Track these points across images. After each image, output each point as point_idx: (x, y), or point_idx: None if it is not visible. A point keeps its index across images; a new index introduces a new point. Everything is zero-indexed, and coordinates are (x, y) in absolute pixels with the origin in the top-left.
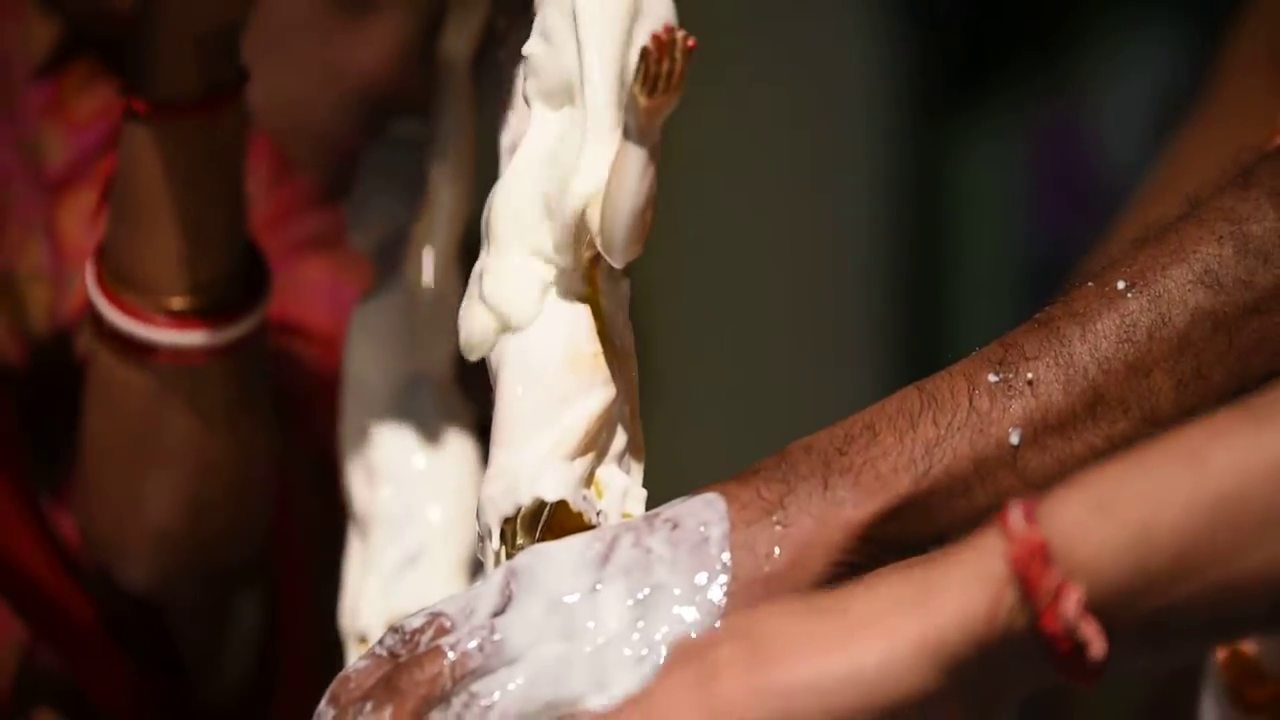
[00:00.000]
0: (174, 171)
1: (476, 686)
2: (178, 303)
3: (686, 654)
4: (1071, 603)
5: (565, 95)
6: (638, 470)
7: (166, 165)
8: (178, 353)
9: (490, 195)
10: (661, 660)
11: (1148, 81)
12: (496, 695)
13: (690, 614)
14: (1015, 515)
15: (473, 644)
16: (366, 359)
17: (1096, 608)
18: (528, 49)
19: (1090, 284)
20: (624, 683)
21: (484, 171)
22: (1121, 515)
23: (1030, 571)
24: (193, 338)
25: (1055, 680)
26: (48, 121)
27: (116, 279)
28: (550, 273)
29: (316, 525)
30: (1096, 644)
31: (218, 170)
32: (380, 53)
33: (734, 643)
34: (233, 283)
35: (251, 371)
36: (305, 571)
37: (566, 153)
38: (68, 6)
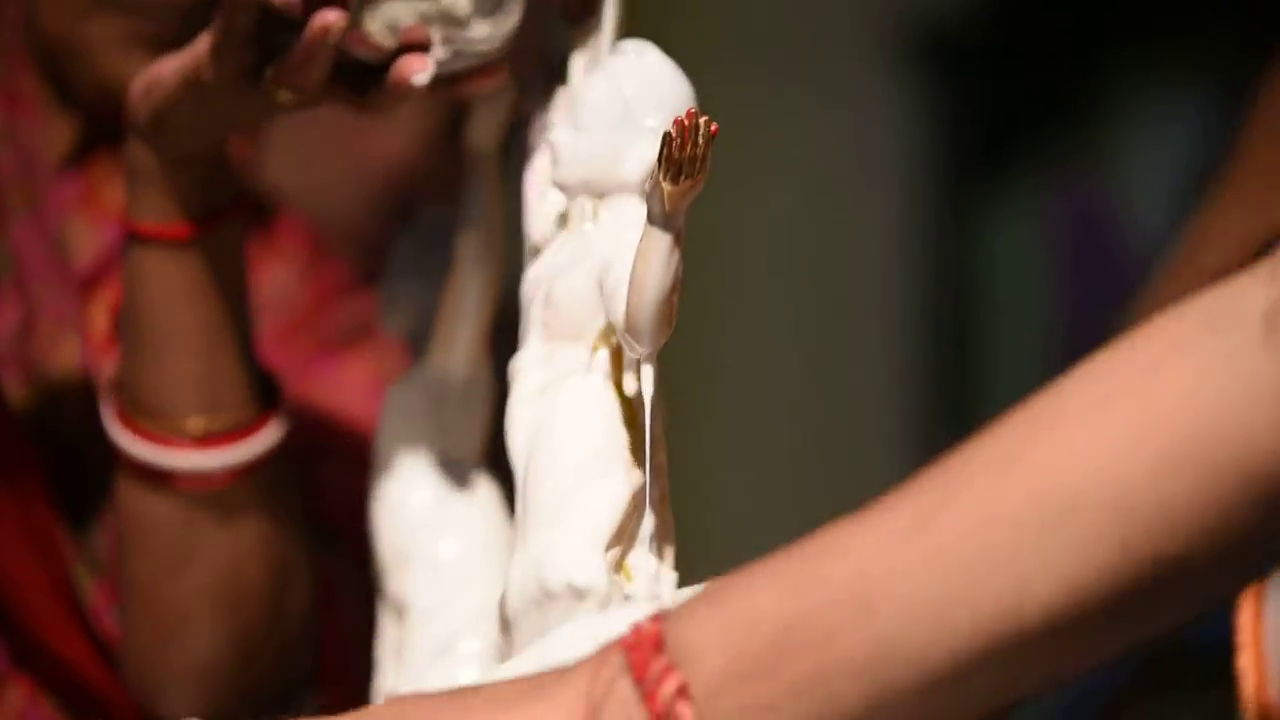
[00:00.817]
0: (176, 292)
1: None
2: (193, 425)
3: None
4: (671, 686)
5: (591, 185)
6: (669, 553)
7: (169, 287)
8: (199, 477)
9: (522, 281)
10: None
11: (1170, 154)
12: None
13: None
14: (646, 617)
15: None
16: (397, 442)
17: (703, 691)
18: (555, 138)
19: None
20: None
21: (513, 255)
22: (728, 603)
23: (639, 659)
24: (212, 460)
25: None
26: (76, 215)
27: (133, 407)
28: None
29: (366, 633)
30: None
31: (221, 288)
32: (407, 142)
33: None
34: (247, 399)
35: (278, 489)
36: (353, 677)
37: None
38: (84, 99)
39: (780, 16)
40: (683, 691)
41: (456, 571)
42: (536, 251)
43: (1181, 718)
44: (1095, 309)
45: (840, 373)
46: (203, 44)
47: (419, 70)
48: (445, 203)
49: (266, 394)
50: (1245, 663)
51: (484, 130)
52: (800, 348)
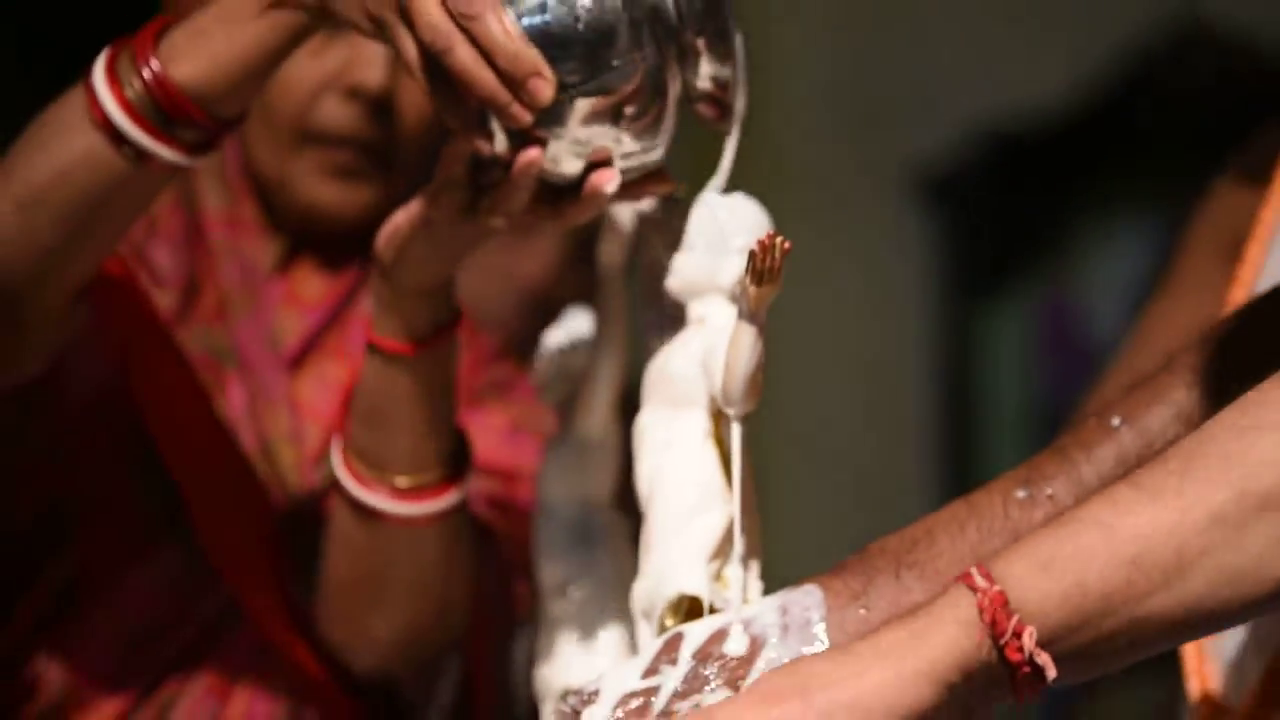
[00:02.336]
0: (400, 390)
1: None
2: (402, 481)
3: (748, 693)
4: (1028, 639)
5: (693, 290)
6: (755, 566)
7: (395, 386)
8: (399, 519)
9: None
10: None
11: (1124, 269)
12: None
13: None
14: (977, 575)
15: (635, 701)
16: (553, 488)
17: (1044, 642)
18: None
19: (1093, 420)
20: None
21: (634, 346)
22: (1058, 573)
23: (996, 617)
24: (414, 509)
25: (1013, 696)
26: (284, 309)
27: (358, 461)
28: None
29: (499, 612)
30: (1049, 669)
31: (436, 387)
32: (545, 262)
33: (787, 679)
34: (446, 464)
35: (460, 527)
36: (492, 645)
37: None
38: (289, 219)
39: (825, 167)
40: (1031, 637)
41: (597, 583)
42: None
43: (1131, 708)
44: (1068, 387)
45: (877, 435)
46: (427, 191)
47: (609, 180)
48: (582, 302)
49: (459, 460)
50: (1190, 653)
51: (611, 248)
52: (846, 419)
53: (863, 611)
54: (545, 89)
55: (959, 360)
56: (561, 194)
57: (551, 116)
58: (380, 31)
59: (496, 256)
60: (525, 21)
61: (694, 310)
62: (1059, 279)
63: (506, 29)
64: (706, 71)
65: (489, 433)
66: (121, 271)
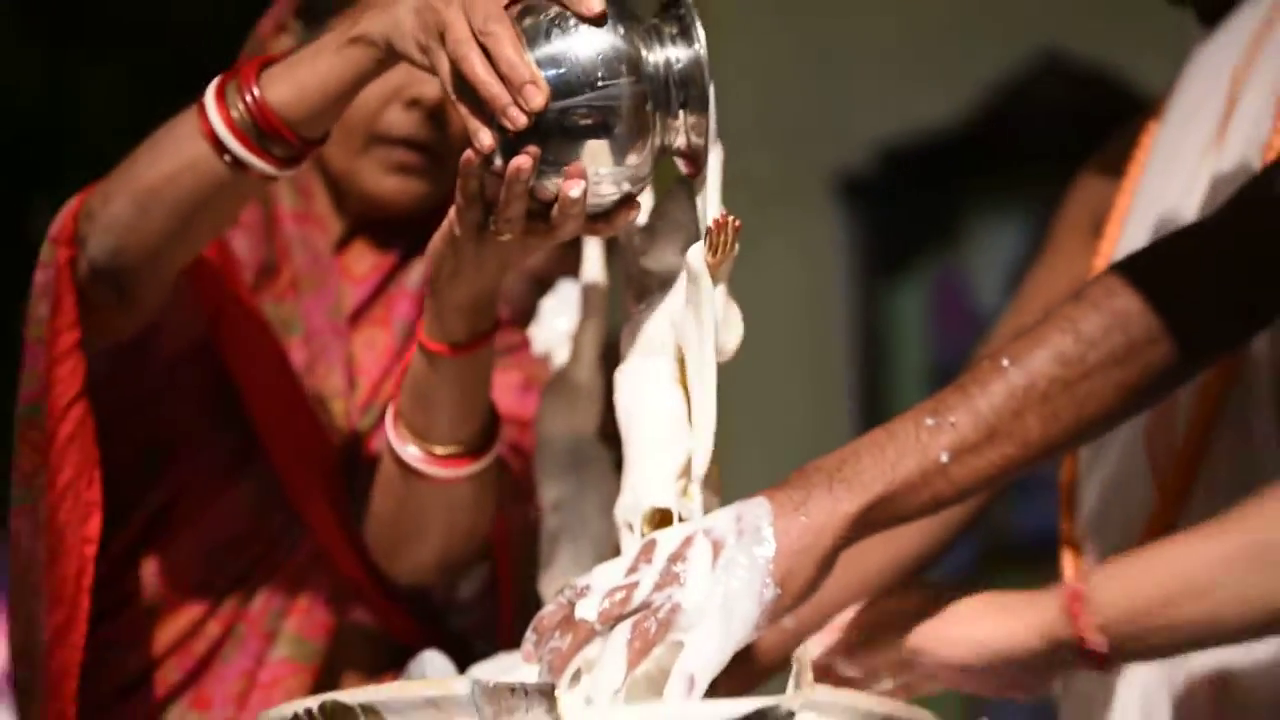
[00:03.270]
0: (442, 382)
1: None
2: (441, 450)
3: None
4: (1090, 622)
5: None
6: (714, 484)
7: (439, 378)
8: (439, 479)
9: (628, 322)
10: (738, 603)
11: (1005, 250)
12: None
13: (745, 573)
14: (1071, 576)
15: (619, 593)
16: (549, 424)
17: (1104, 626)
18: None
19: (986, 362)
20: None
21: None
22: (1122, 580)
23: (1072, 606)
24: (449, 472)
25: (1082, 666)
26: (342, 282)
27: (406, 425)
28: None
29: (518, 524)
30: (1100, 644)
31: (472, 381)
32: (547, 252)
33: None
34: (478, 439)
35: (487, 482)
36: (514, 552)
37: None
38: (352, 208)
39: (760, 175)
40: (1094, 625)
41: (586, 499)
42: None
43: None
44: (960, 347)
45: (808, 385)
46: (452, 210)
47: (575, 186)
48: (571, 275)
49: (489, 433)
50: (1063, 548)
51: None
52: (784, 374)
53: (803, 519)
54: (537, 96)
55: (872, 327)
56: (596, 219)
57: (545, 136)
58: (425, 56)
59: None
60: (538, 53)
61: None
62: (950, 261)
63: (514, 46)
64: (685, 127)
65: (506, 389)
66: (211, 250)
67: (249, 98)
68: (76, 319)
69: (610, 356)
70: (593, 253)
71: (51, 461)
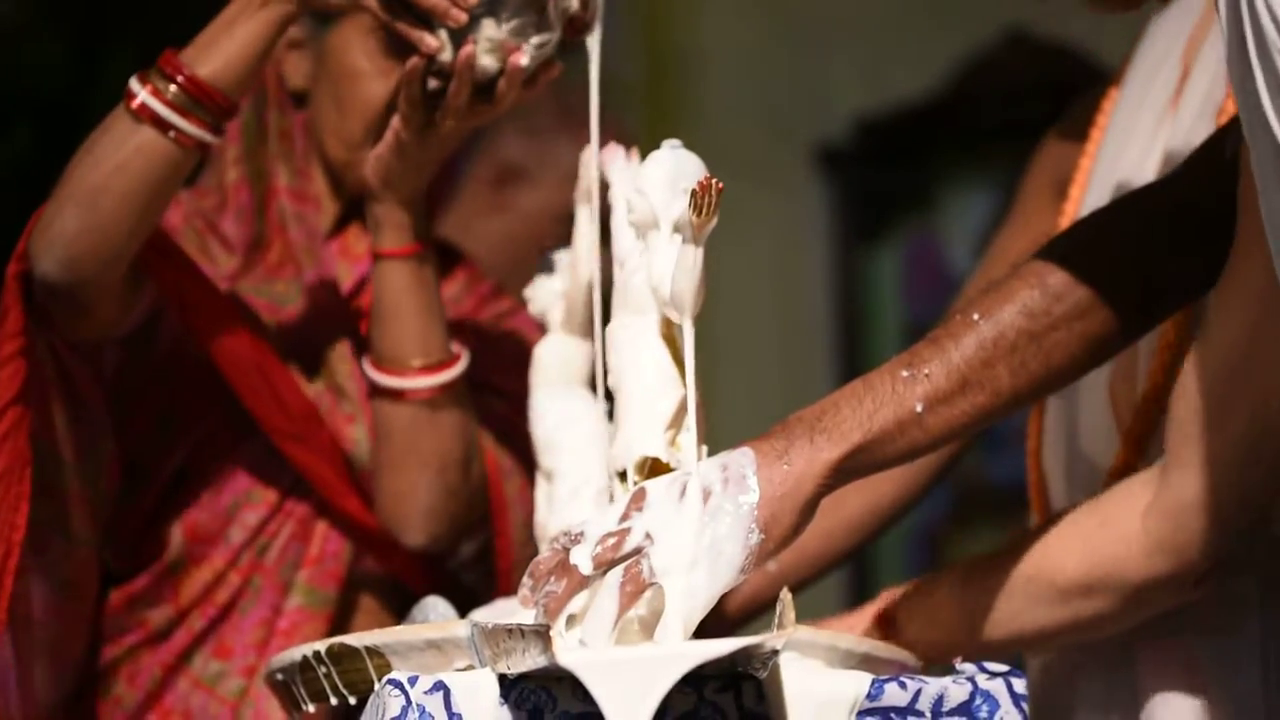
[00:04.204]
0: (401, 287)
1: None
2: (415, 362)
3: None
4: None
5: (649, 223)
6: (701, 434)
7: (400, 285)
8: (419, 391)
9: (617, 282)
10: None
11: (973, 216)
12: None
13: (731, 519)
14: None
15: (612, 539)
16: (543, 377)
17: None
18: (628, 195)
19: (958, 317)
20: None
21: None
22: (924, 614)
23: (884, 632)
24: (428, 381)
25: None
26: (341, 261)
27: (379, 357)
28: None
29: (509, 466)
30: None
31: (424, 285)
32: (534, 222)
33: None
34: (444, 347)
35: (464, 401)
36: (510, 501)
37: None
38: (349, 191)
39: (745, 146)
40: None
41: (578, 449)
42: (620, 264)
43: (985, 540)
44: (933, 306)
45: (791, 344)
46: (396, 119)
47: (520, 59)
48: (564, 245)
49: (451, 345)
50: (1033, 496)
51: (583, 202)
52: (767, 334)
53: (785, 467)
54: None
55: (849, 290)
56: (490, 90)
57: (476, 26)
58: None
59: (497, 224)
60: None
61: (648, 239)
62: (923, 228)
63: None
64: None
65: (501, 345)
66: (174, 249)
67: (180, 77)
68: (21, 329)
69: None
70: (583, 216)
71: None
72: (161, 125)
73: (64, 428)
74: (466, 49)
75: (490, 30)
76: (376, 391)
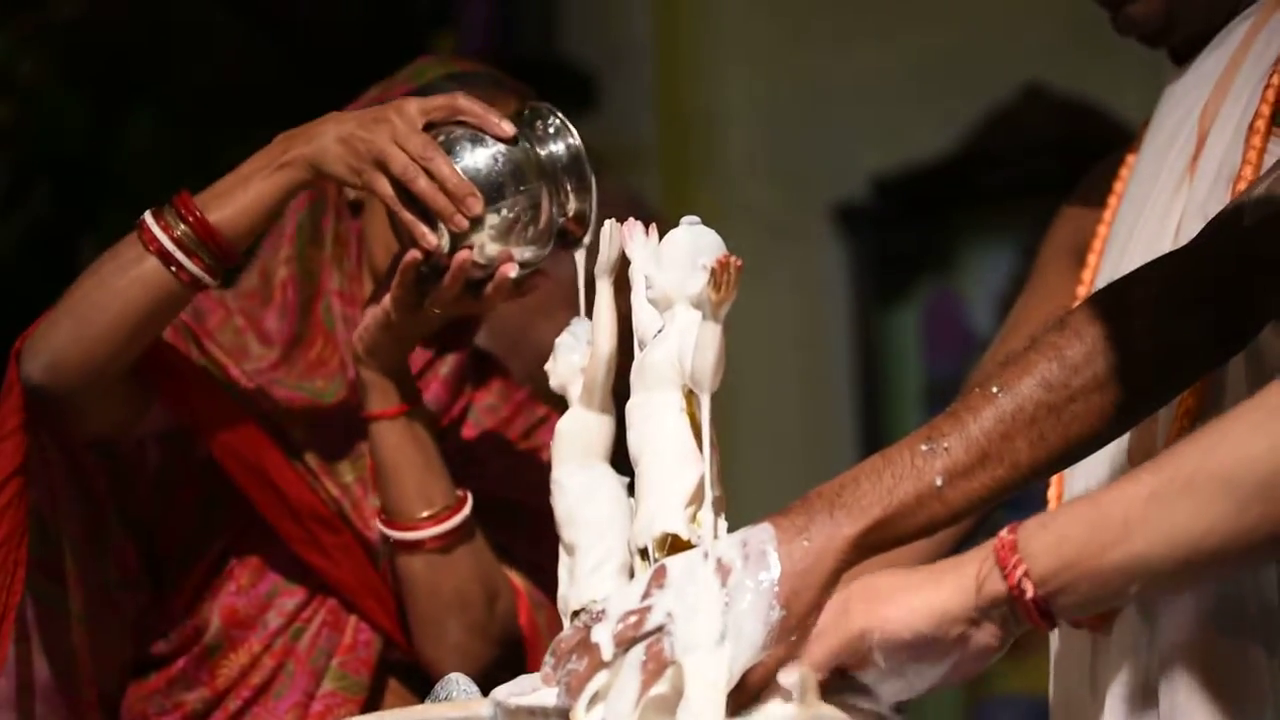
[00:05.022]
0: (396, 445)
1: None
2: (421, 515)
3: (835, 604)
4: (1020, 569)
5: (669, 299)
6: (721, 514)
7: (393, 442)
8: (433, 539)
9: (638, 358)
10: (745, 624)
11: (996, 275)
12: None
13: (752, 596)
14: (1006, 528)
15: (633, 617)
16: (564, 453)
17: (1036, 576)
18: (648, 272)
19: (977, 390)
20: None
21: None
22: (1052, 528)
23: (1002, 554)
24: (434, 531)
25: (1023, 623)
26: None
27: (386, 511)
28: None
29: (548, 604)
30: (1029, 590)
31: (424, 437)
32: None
33: (862, 591)
34: (446, 496)
35: (478, 544)
36: (542, 631)
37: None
38: (385, 290)
39: (765, 205)
40: (1027, 574)
41: (601, 525)
42: (641, 343)
43: None
44: (953, 368)
45: (810, 408)
46: (388, 299)
47: (511, 269)
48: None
49: (455, 489)
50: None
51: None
52: (786, 397)
53: (805, 543)
54: (476, 205)
55: (869, 348)
56: (478, 288)
57: (477, 228)
58: (358, 178)
59: (521, 331)
60: (460, 167)
61: (668, 315)
62: (943, 285)
63: (450, 167)
64: (573, 204)
65: (535, 480)
66: (180, 364)
67: (191, 218)
68: (23, 404)
69: (621, 390)
70: (603, 291)
71: None
72: (166, 259)
73: (66, 507)
74: (463, 254)
75: (487, 237)
76: (393, 547)
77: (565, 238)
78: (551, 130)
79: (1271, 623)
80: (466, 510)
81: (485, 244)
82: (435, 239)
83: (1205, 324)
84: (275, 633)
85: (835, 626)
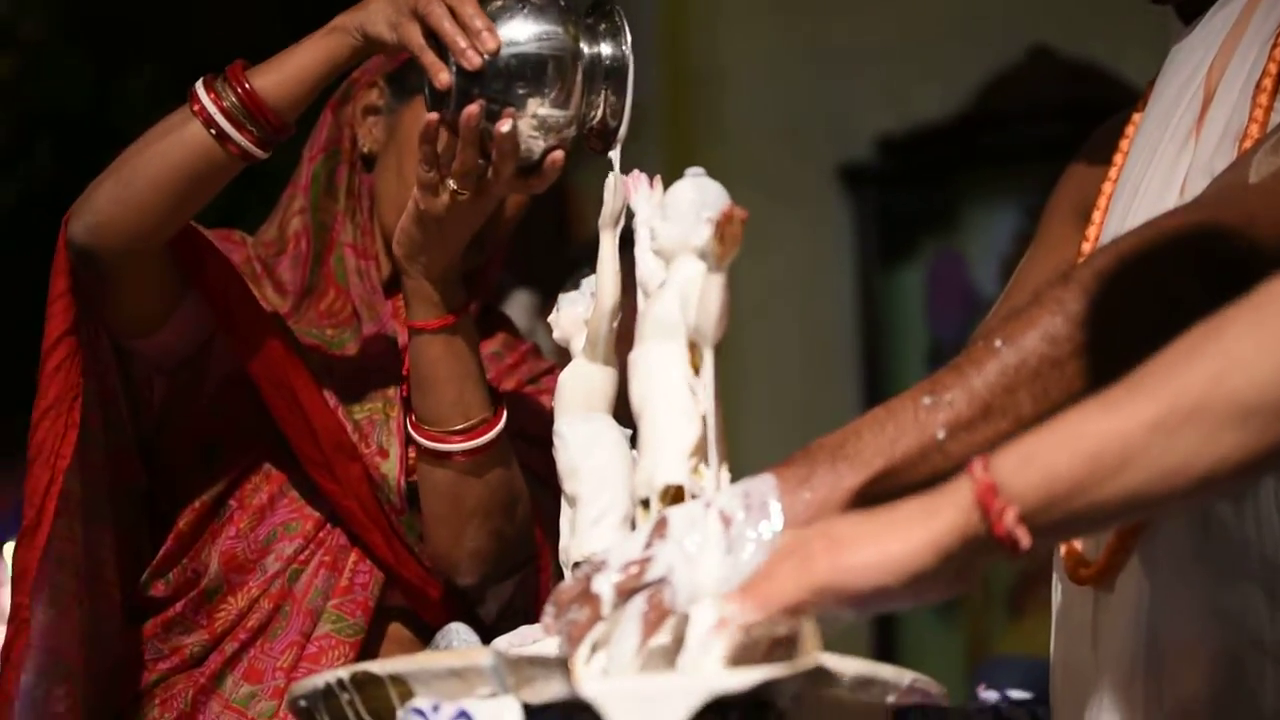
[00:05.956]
0: (438, 357)
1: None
2: (456, 426)
3: (790, 548)
4: (1010, 517)
5: (674, 250)
6: (724, 465)
7: (433, 354)
8: (463, 453)
9: (641, 310)
10: (746, 574)
11: (1000, 234)
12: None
13: (754, 546)
14: (977, 466)
15: (635, 568)
16: (565, 403)
17: (1024, 517)
18: (652, 224)
19: (980, 343)
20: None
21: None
22: (1037, 464)
23: (986, 500)
24: (471, 444)
25: (1001, 558)
26: (395, 320)
27: (422, 420)
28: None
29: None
30: (1024, 540)
31: (466, 350)
32: None
33: (821, 539)
34: (484, 408)
35: (506, 455)
36: (547, 539)
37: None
38: (393, 252)
39: (772, 165)
40: (1018, 518)
41: (603, 476)
42: (645, 292)
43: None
44: (958, 326)
45: (815, 363)
46: (415, 191)
47: (505, 123)
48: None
49: (495, 403)
50: None
51: (607, 224)
52: (792, 352)
53: (807, 495)
54: (490, 40)
55: (874, 308)
56: (527, 173)
57: (492, 80)
58: (394, 32)
59: None
60: (501, 30)
61: (672, 267)
62: (947, 245)
63: (476, 8)
64: (604, 107)
65: (538, 415)
66: (227, 266)
67: (240, 88)
68: (67, 269)
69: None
70: (606, 242)
71: (40, 384)
72: (212, 126)
73: (93, 398)
74: (470, 108)
75: (508, 98)
76: (421, 452)
77: (598, 133)
78: (607, 29)
79: (1273, 574)
80: (500, 425)
81: (507, 103)
82: (448, 77)
83: (1207, 280)
84: (274, 576)
85: (795, 573)
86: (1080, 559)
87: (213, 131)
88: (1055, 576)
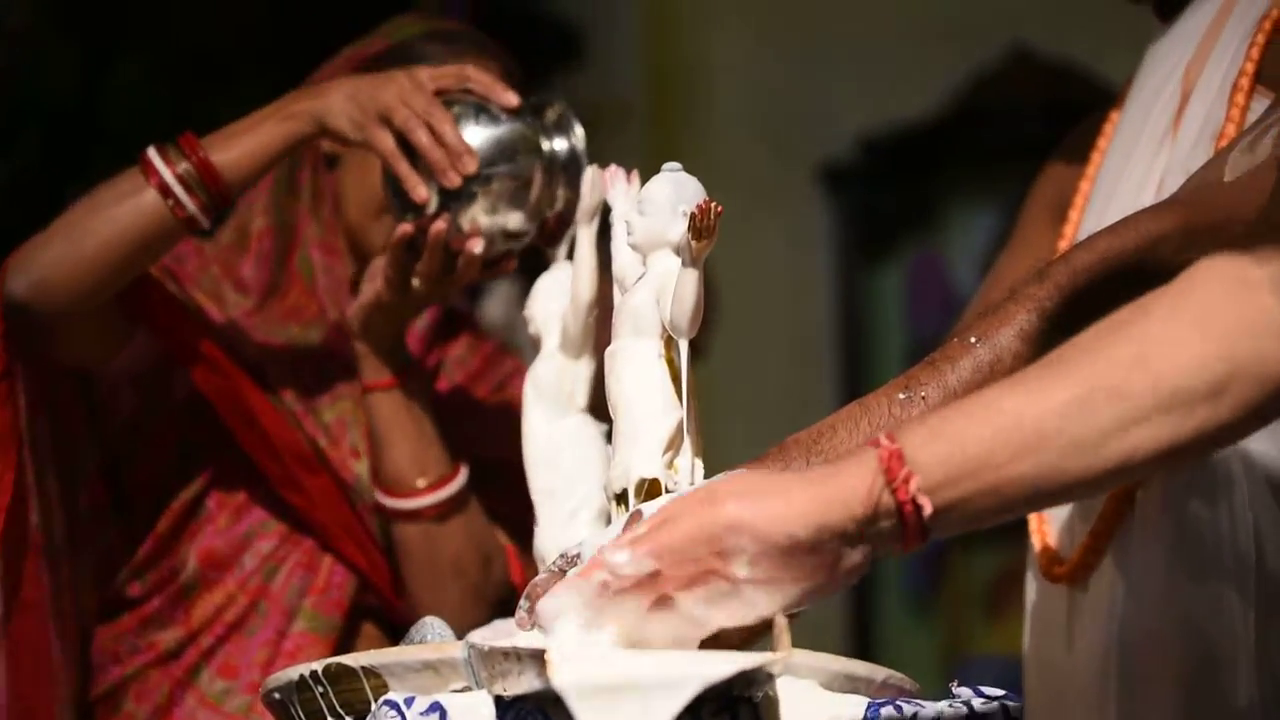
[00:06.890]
0: (392, 415)
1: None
2: (418, 483)
3: (693, 495)
4: (913, 483)
5: (649, 244)
6: (699, 459)
7: (387, 413)
8: (429, 509)
9: (617, 304)
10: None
11: (976, 234)
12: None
13: None
14: (883, 437)
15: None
16: (537, 396)
17: (926, 490)
18: (629, 218)
19: (956, 339)
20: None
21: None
22: (944, 439)
23: (891, 466)
24: (430, 499)
25: (898, 544)
26: None
27: (382, 481)
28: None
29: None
30: (927, 507)
31: (414, 409)
32: None
33: (728, 484)
34: (441, 466)
35: (474, 511)
36: (522, 557)
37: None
38: (363, 250)
39: (750, 165)
40: (921, 488)
41: (577, 471)
42: (621, 289)
43: (992, 560)
44: (935, 324)
45: (793, 361)
46: (380, 279)
47: (476, 245)
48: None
49: (454, 455)
50: (1033, 517)
51: (585, 218)
52: (770, 350)
53: None
54: (471, 163)
55: (853, 307)
56: (487, 267)
57: (470, 203)
58: (360, 132)
59: None
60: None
61: (648, 262)
62: (927, 245)
63: (453, 126)
64: (562, 201)
65: (510, 410)
66: (170, 299)
67: (195, 157)
68: (1, 317)
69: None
70: (584, 237)
71: None
72: (164, 192)
73: (43, 430)
74: (439, 224)
75: (479, 209)
76: (388, 514)
77: (543, 229)
78: (558, 124)
79: (1246, 572)
80: (462, 478)
81: (477, 216)
82: (427, 192)
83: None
84: (251, 573)
85: (695, 513)
86: (1054, 556)
87: (169, 202)
88: (1029, 574)
